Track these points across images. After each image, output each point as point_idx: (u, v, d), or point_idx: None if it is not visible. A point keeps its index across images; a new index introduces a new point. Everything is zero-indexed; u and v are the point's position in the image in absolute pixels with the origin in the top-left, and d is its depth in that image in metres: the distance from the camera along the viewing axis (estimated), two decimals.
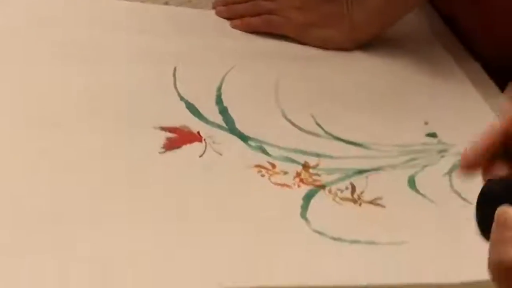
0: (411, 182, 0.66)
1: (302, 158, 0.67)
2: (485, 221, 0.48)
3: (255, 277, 0.55)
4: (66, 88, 0.72)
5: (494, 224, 0.46)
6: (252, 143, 0.68)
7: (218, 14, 0.87)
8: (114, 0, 0.85)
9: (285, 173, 0.65)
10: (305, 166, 0.66)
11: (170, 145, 0.66)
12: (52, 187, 0.61)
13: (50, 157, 0.63)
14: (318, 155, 0.68)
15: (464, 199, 0.64)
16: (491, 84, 0.80)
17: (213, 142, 0.67)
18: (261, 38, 0.84)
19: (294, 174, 0.65)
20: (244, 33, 0.84)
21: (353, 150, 0.69)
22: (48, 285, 0.53)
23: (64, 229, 0.57)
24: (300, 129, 0.71)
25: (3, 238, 0.55)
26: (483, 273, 0.56)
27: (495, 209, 0.46)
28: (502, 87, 0.80)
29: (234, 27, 0.85)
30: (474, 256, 0.58)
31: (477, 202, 0.49)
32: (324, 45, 0.84)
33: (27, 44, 0.76)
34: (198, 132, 0.68)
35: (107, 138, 0.66)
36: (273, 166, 0.66)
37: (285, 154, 0.67)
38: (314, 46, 0.83)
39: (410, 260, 0.58)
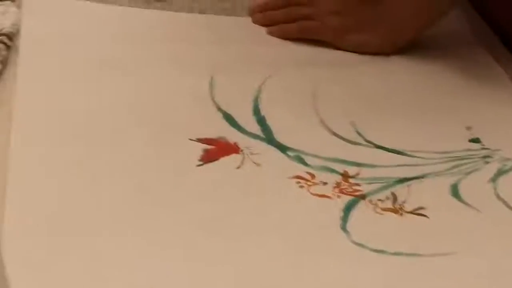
0: (455, 190, 0.64)
1: (341, 168, 0.66)
2: None
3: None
4: (102, 99, 0.72)
5: None
6: (291, 153, 0.67)
7: (254, 21, 0.86)
8: (149, 10, 0.85)
9: (324, 183, 0.64)
10: (345, 175, 0.65)
11: (208, 157, 0.65)
12: (89, 198, 0.60)
13: (86, 168, 0.63)
14: (358, 164, 0.66)
15: (510, 207, 0.62)
16: None
17: (251, 153, 0.66)
18: (297, 44, 0.83)
19: (334, 184, 0.64)
20: (280, 40, 0.83)
21: (394, 158, 0.67)
22: None
23: (101, 239, 0.57)
24: (339, 137, 0.69)
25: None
26: None
27: None
28: None
29: (270, 34, 0.84)
30: None
31: None
32: (361, 50, 0.82)
33: (61, 60, 0.76)
34: (236, 143, 0.67)
35: (143, 150, 0.66)
36: (312, 176, 0.64)
37: (324, 163, 0.66)
38: (351, 51, 0.82)
39: (455, 272, 0.56)
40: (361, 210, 0.61)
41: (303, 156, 0.67)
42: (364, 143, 0.69)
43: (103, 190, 0.61)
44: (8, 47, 0.75)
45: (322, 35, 0.83)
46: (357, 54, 0.82)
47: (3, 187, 0.60)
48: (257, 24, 0.85)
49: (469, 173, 0.66)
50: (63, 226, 0.57)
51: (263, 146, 0.67)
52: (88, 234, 0.57)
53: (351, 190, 0.63)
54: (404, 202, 0.62)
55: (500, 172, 0.66)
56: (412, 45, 0.82)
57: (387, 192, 0.63)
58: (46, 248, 0.55)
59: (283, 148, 0.67)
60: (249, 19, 0.86)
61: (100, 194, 0.61)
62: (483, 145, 0.70)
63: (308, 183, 0.64)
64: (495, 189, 0.64)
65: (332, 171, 0.65)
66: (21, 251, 0.54)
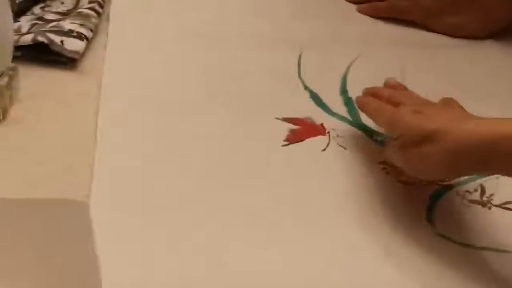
0: None
1: None
2: None
3: (372, 278, 0.53)
4: (190, 74, 0.72)
5: None
6: (377, 138, 0.66)
7: None
8: None
9: None
10: None
11: (293, 138, 0.65)
12: (173, 175, 0.60)
13: (172, 144, 0.63)
14: None
15: None
16: None
17: (337, 136, 0.66)
18: (387, 23, 0.81)
19: None
20: (370, 18, 0.82)
21: None
22: (155, 271, 0.53)
23: (181, 217, 0.57)
24: None
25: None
26: None
27: None
28: None
29: (360, 11, 0.83)
30: None
31: None
32: (453, 33, 0.80)
33: (150, 31, 0.77)
34: (322, 124, 0.67)
35: (230, 128, 0.66)
36: None
37: None
38: (443, 33, 0.80)
39: None
40: (448, 200, 0.60)
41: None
42: None
43: (188, 167, 0.61)
44: (99, 15, 0.76)
45: (414, 16, 0.81)
46: (449, 37, 0.80)
47: (92, 155, 0.61)
48: (347, 1, 0.84)
49: None
50: (148, 203, 0.58)
51: (349, 129, 0.67)
52: (173, 211, 0.57)
53: None
54: (492, 195, 0.61)
55: None
56: (506, 31, 0.80)
57: (476, 184, 0.62)
58: (134, 222, 0.56)
59: (369, 132, 0.66)
60: None
61: (185, 172, 0.61)
62: None
63: (395, 169, 0.63)
64: None
65: None
66: (108, 225, 0.55)
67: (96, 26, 0.74)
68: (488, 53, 0.78)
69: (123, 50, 0.73)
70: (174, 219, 0.57)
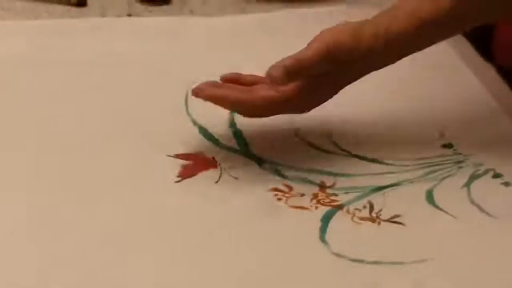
0: (430, 197, 0.65)
1: (318, 178, 0.67)
2: None
3: None
4: (77, 112, 0.73)
5: None
6: (267, 166, 0.68)
7: None
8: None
9: (302, 195, 0.65)
10: (322, 186, 0.66)
11: (186, 173, 0.66)
12: (63, 216, 0.61)
13: (57, 187, 0.64)
14: (334, 174, 0.67)
15: (484, 212, 0.63)
16: (508, 91, 0.79)
17: (228, 167, 0.67)
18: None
19: (311, 196, 0.65)
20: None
21: (368, 166, 0.68)
22: None
23: (79, 263, 0.57)
24: (315, 147, 0.70)
25: None
26: None
27: None
28: None
29: None
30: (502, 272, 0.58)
31: None
32: None
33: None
34: (213, 158, 0.68)
35: (121, 166, 0.67)
36: (290, 188, 0.65)
37: (301, 175, 0.67)
38: None
39: (434, 278, 0.57)
40: (339, 220, 0.62)
41: (279, 168, 0.67)
42: (339, 152, 0.70)
43: (78, 206, 0.62)
44: None
45: None
46: None
47: None
48: None
49: (443, 178, 0.67)
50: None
51: (240, 159, 0.68)
52: (70, 258, 0.58)
53: (328, 200, 0.64)
54: (380, 210, 0.63)
55: (473, 177, 0.67)
56: None
57: (364, 201, 0.64)
58: None
59: (259, 161, 0.68)
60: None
61: (77, 215, 0.61)
62: (455, 150, 0.71)
63: (286, 195, 0.64)
64: (469, 194, 0.65)
65: (309, 182, 0.66)
66: None
67: None
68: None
69: None
70: (70, 265, 0.57)
